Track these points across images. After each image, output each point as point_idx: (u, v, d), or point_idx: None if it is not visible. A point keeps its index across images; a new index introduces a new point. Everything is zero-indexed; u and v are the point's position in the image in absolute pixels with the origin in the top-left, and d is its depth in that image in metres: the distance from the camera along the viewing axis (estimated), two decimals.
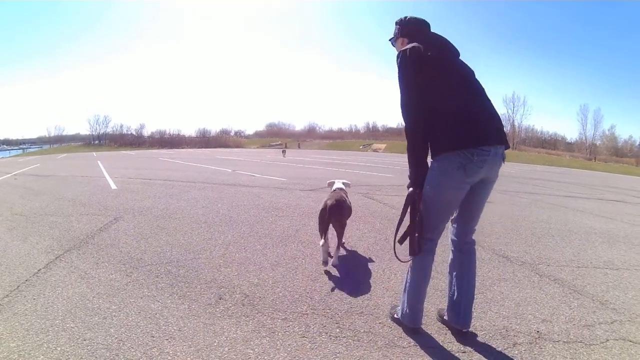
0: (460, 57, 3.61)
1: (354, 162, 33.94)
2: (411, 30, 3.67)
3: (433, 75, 3.29)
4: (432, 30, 3.70)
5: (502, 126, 3.45)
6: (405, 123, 3.35)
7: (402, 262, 3.58)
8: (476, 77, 3.54)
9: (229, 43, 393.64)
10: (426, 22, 3.73)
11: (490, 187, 3.51)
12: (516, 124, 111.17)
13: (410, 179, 3.43)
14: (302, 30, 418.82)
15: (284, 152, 43.36)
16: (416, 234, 3.39)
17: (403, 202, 3.47)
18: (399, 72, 3.41)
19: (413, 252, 3.44)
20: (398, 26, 3.78)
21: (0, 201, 10.53)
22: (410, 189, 3.43)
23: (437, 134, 3.26)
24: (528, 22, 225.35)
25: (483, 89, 3.49)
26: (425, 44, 3.40)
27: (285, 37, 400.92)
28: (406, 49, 3.39)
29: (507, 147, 3.41)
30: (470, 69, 3.56)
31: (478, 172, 3.24)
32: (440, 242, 3.62)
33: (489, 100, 3.45)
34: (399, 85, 3.40)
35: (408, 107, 3.33)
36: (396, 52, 3.64)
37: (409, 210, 3.45)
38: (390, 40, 3.94)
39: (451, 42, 3.61)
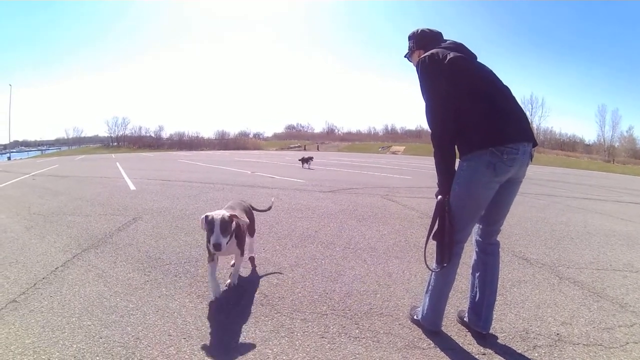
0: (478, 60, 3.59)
1: (373, 164, 33.91)
2: (426, 42, 3.68)
3: (455, 77, 3.27)
4: (445, 38, 3.71)
5: (528, 123, 3.43)
6: (431, 130, 3.35)
7: (432, 271, 3.53)
8: (497, 76, 3.51)
9: (248, 45, 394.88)
10: (439, 32, 3.75)
11: (517, 187, 3.49)
12: (535, 125, 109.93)
13: (439, 186, 3.44)
14: (322, 33, 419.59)
15: (305, 161, 27.10)
16: (446, 242, 3.37)
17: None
18: (420, 81, 3.41)
19: (441, 260, 3.42)
20: (412, 40, 3.81)
21: (18, 201, 10.67)
22: (440, 197, 3.43)
23: (465, 134, 3.26)
24: (546, 22, 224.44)
25: (507, 87, 3.46)
26: (443, 50, 3.40)
27: (304, 39, 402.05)
28: (425, 57, 3.39)
29: (535, 144, 3.40)
30: (489, 69, 3.53)
31: (508, 171, 3.22)
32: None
33: (514, 98, 3.43)
34: (423, 93, 3.41)
35: (434, 114, 3.33)
36: (414, 66, 3.65)
37: (438, 218, 3.43)
38: (405, 56, 3.96)
39: (466, 46, 3.61)
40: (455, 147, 3.36)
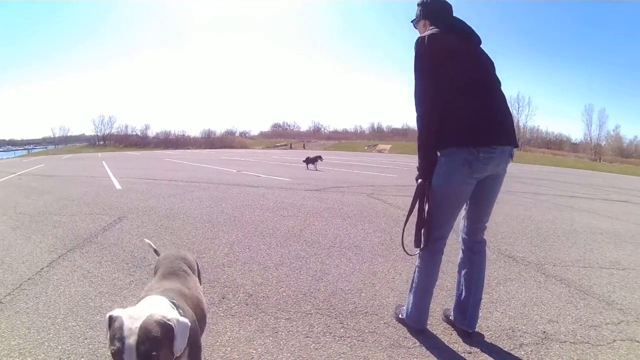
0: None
1: (359, 162, 34.07)
2: (433, 12, 3.56)
3: (449, 66, 3.20)
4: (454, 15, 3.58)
5: (512, 126, 3.41)
6: (417, 112, 3.29)
7: (409, 255, 3.53)
8: (494, 68, 3.48)
9: (233, 44, 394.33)
10: (448, 3, 3.61)
11: (497, 183, 3.47)
12: (521, 124, 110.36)
13: (419, 170, 3.39)
14: (307, 31, 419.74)
15: (311, 162, 24.06)
16: (423, 227, 3.38)
17: (408, 202, 3.42)
18: (415, 59, 3.31)
19: (418, 244, 3.42)
20: (420, 7, 3.67)
21: (4, 200, 10.59)
22: (420, 180, 3.38)
23: (446, 127, 3.20)
24: (531, 22, 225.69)
25: (499, 83, 3.43)
26: (446, 31, 3.31)
27: (291, 38, 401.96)
28: (424, 37, 3.28)
29: (516, 146, 3.38)
30: (489, 59, 3.48)
31: (484, 169, 3.21)
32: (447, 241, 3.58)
33: (503, 97, 3.41)
34: (414, 72, 3.31)
35: (421, 96, 3.26)
36: (418, 34, 3.54)
37: (418, 201, 3.41)
38: (412, 21, 3.83)
39: (473, 28, 3.51)
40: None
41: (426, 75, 3.24)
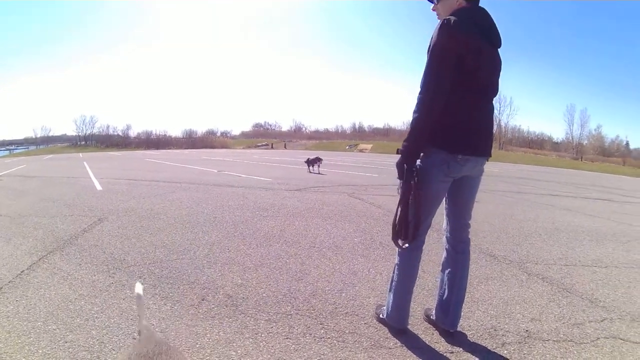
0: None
1: (340, 162, 34.09)
2: None
3: (462, 62, 3.03)
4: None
5: (492, 139, 3.44)
6: (420, 93, 3.09)
7: (400, 248, 3.44)
8: (499, 78, 3.37)
9: (215, 44, 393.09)
10: None
11: (475, 182, 3.47)
12: (502, 124, 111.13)
13: (402, 152, 3.17)
14: (289, 30, 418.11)
15: (312, 164, 22.52)
16: (411, 218, 3.26)
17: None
18: (435, 41, 3.07)
19: (406, 236, 3.29)
20: None
21: None
22: (406, 166, 3.16)
23: (438, 121, 3.10)
24: (512, 23, 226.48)
25: (495, 94, 3.39)
26: (471, 24, 3.11)
27: (272, 37, 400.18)
28: (450, 20, 3.04)
29: (490, 156, 3.39)
30: (500, 67, 3.37)
31: (460, 169, 3.21)
32: (426, 240, 3.56)
33: (493, 109, 3.40)
34: (430, 53, 3.09)
35: (429, 81, 3.07)
36: (434, 6, 3.41)
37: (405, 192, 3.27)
38: None
39: (496, 27, 3.31)
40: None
41: (437, 63, 3.06)
